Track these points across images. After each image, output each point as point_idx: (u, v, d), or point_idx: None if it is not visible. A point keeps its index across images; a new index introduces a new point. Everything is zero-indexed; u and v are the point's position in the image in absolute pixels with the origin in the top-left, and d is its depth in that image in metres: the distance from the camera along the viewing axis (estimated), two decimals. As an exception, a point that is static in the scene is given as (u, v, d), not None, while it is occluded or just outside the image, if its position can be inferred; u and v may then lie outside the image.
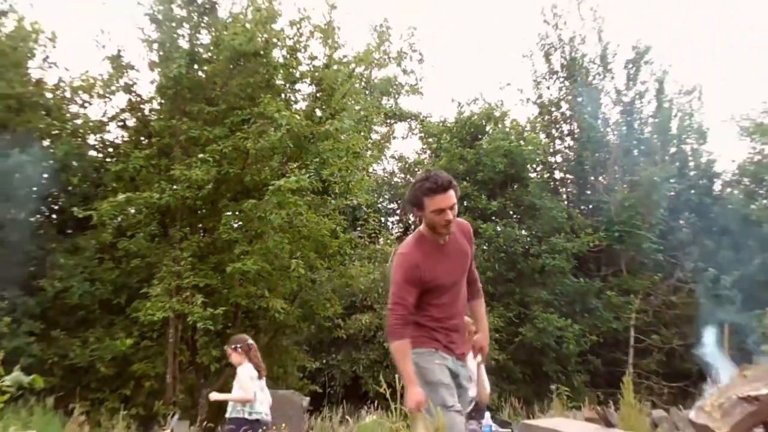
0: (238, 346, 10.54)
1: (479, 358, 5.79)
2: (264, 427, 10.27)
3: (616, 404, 11.85)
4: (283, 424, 10.08)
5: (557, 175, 27.31)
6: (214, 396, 10.97)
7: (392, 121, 28.68)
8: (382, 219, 26.55)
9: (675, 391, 21.82)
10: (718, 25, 51.94)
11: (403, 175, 28.43)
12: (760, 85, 55.73)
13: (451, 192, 5.42)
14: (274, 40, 18.48)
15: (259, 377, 10.42)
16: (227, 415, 10.43)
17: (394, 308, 5.45)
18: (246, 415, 10.12)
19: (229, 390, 10.49)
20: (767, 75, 60.21)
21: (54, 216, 19.93)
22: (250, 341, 10.87)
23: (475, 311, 5.99)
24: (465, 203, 24.50)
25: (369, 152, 24.55)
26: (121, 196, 17.22)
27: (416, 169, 27.58)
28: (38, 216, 19.69)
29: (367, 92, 21.89)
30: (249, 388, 10.21)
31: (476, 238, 23.49)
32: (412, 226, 27.75)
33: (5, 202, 18.42)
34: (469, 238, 5.90)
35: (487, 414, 10.27)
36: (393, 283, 5.56)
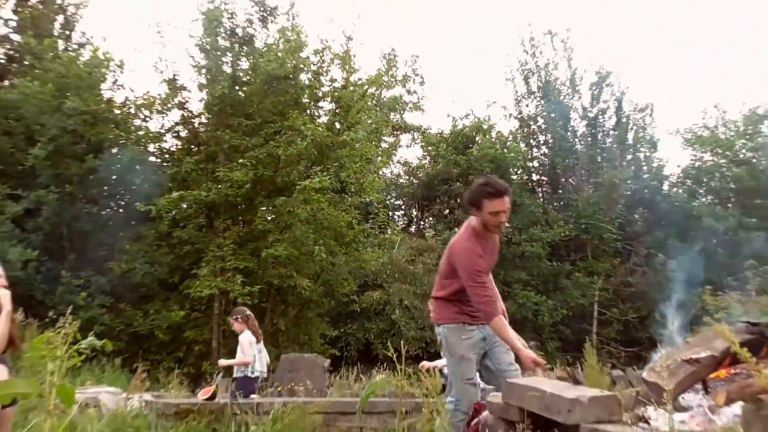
0: (239, 316, 10.59)
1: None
2: (262, 382, 10.32)
3: (582, 366, 11.83)
4: (308, 381, 10.09)
5: (534, 177, 27.26)
6: (222, 362, 10.97)
7: (398, 133, 28.62)
8: (390, 213, 26.50)
9: (630, 355, 21.77)
10: (669, 50, 51.76)
11: (407, 177, 28.37)
12: (700, 103, 55.52)
13: (507, 198, 5.34)
14: (301, 66, 18.52)
15: (257, 341, 10.46)
16: (234, 375, 10.50)
17: (479, 293, 5.28)
18: (249, 374, 10.16)
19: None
20: (706, 94, 60.21)
21: (121, 210, 19.97)
22: (248, 312, 10.89)
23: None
24: (458, 200, 24.52)
25: (379, 158, 24.51)
26: (175, 194, 17.33)
27: (418, 173, 27.58)
28: (108, 210, 19.73)
29: (377, 109, 21.92)
30: (248, 352, 10.25)
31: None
32: (415, 219, 27.77)
33: (82, 199, 18.47)
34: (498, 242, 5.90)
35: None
36: (469, 273, 5.33)
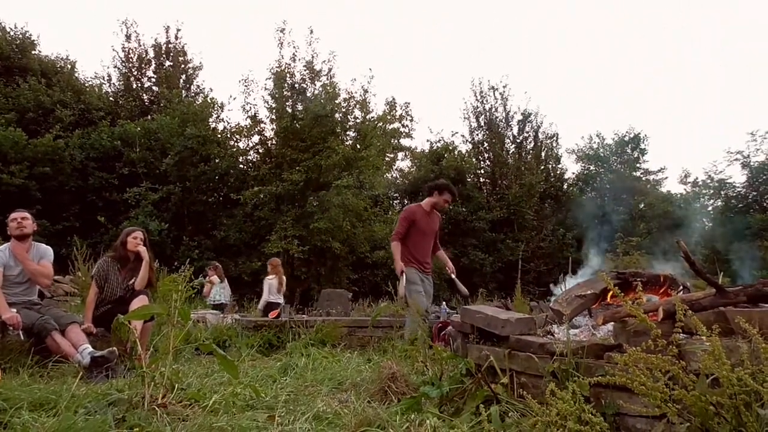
0: (210, 267, 10.63)
1: (453, 274, 5.92)
2: (225, 307, 10.22)
3: (511, 299, 11.81)
4: (339, 307, 10.04)
5: (481, 179, 27.07)
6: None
7: (396, 151, 28.46)
8: (390, 201, 26.49)
9: (542, 292, 21.67)
10: (569, 95, 51.60)
11: (401, 179, 28.32)
12: (588, 131, 55.27)
13: (452, 198, 6.10)
14: (336, 109, 18.50)
15: (221, 281, 10.51)
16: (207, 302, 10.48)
17: (399, 228, 5.91)
18: (213, 302, 10.13)
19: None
20: (592, 125, 60.06)
21: (221, 198, 20.01)
22: (217, 264, 10.99)
23: (439, 254, 6.24)
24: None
25: (384, 167, 24.50)
26: (255, 188, 17.41)
27: (408, 176, 27.52)
28: (212, 198, 19.77)
29: (383, 136, 21.91)
30: (207, 290, 10.32)
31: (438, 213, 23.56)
32: (406, 205, 27.75)
33: (196, 191, 18.48)
34: (440, 221, 6.26)
35: (444, 303, 10.25)
36: (400, 219, 5.98)
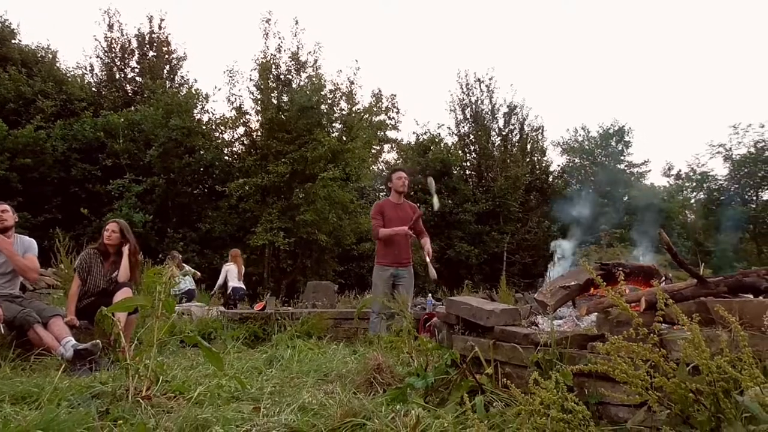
0: (171, 258, 10.50)
1: (428, 257, 5.95)
2: (189, 295, 10.13)
3: (497, 290, 11.87)
4: (324, 299, 10.04)
5: (467, 172, 27.12)
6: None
7: (382, 143, 28.38)
8: (377, 194, 26.48)
9: (527, 284, 21.87)
10: (555, 88, 51.83)
11: (388, 171, 28.33)
12: (573, 123, 55.63)
13: (402, 173, 6.28)
14: (321, 100, 18.41)
15: (179, 269, 10.19)
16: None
17: (374, 222, 6.00)
18: (178, 291, 9.99)
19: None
20: (576, 118, 60.49)
21: (206, 190, 19.85)
22: (177, 255, 10.87)
23: (422, 241, 6.15)
24: (420, 186, 24.48)
25: (370, 159, 24.44)
26: (240, 180, 17.28)
27: (395, 168, 27.57)
28: (197, 190, 19.61)
29: (369, 128, 21.78)
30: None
31: (425, 206, 23.60)
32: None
33: (180, 183, 18.34)
34: (414, 211, 6.22)
35: (429, 295, 10.32)
36: (372, 216, 6.15)
